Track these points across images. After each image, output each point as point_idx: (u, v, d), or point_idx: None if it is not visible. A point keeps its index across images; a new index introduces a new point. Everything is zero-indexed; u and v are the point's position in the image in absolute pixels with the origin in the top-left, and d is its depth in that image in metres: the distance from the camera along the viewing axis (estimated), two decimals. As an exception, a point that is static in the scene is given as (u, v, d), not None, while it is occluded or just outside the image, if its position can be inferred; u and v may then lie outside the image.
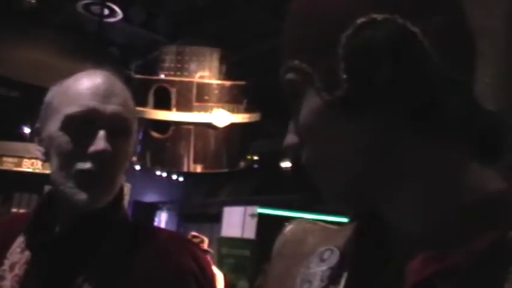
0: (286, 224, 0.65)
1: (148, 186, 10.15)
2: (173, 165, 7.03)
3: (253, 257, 6.79)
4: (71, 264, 0.86)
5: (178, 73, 6.61)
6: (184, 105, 6.48)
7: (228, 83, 6.72)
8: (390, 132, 0.45)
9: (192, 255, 0.93)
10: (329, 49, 0.45)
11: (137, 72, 7.39)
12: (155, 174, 9.35)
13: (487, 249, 0.41)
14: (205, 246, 4.58)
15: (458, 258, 0.42)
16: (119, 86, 0.90)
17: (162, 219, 11.20)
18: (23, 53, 5.58)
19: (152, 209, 10.93)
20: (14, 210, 4.48)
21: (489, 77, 0.83)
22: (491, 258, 0.41)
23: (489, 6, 0.92)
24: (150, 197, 10.84)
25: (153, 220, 10.47)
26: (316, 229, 0.62)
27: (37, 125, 0.92)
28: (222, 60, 6.75)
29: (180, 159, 6.69)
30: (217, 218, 8.74)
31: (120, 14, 6.69)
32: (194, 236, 4.61)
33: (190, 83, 6.54)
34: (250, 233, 7.59)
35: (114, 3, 6.47)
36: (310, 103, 0.48)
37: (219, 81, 6.66)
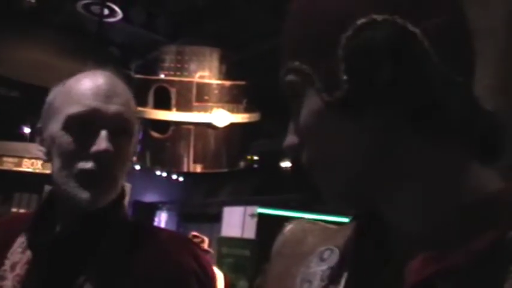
0: (286, 223, 0.65)
1: (148, 186, 10.14)
2: (173, 165, 7.04)
3: (253, 257, 6.78)
4: (72, 264, 0.86)
5: (178, 73, 6.62)
6: (184, 105, 6.49)
7: (228, 83, 6.72)
8: (390, 132, 0.45)
9: (193, 254, 0.93)
10: (329, 50, 0.45)
11: (137, 72, 7.39)
12: (155, 174, 9.36)
13: (487, 249, 0.41)
14: (205, 246, 4.57)
15: (458, 258, 0.42)
16: (121, 86, 0.90)
17: (162, 219, 11.19)
18: (23, 53, 5.59)
19: (152, 209, 10.92)
20: (14, 210, 4.49)
21: (489, 77, 0.83)
22: (491, 258, 0.41)
23: (489, 6, 0.92)
24: (150, 197, 10.83)
25: (153, 220, 10.46)
26: (316, 229, 0.62)
27: (39, 125, 0.93)
28: (222, 60, 6.76)
29: (180, 159, 6.70)
30: (217, 218, 8.72)
31: (120, 14, 6.70)
32: (194, 236, 4.60)
33: (190, 83, 6.55)
34: (250, 233, 7.57)
35: (114, 3, 6.48)
36: (311, 104, 0.48)
37: (219, 81, 6.67)
